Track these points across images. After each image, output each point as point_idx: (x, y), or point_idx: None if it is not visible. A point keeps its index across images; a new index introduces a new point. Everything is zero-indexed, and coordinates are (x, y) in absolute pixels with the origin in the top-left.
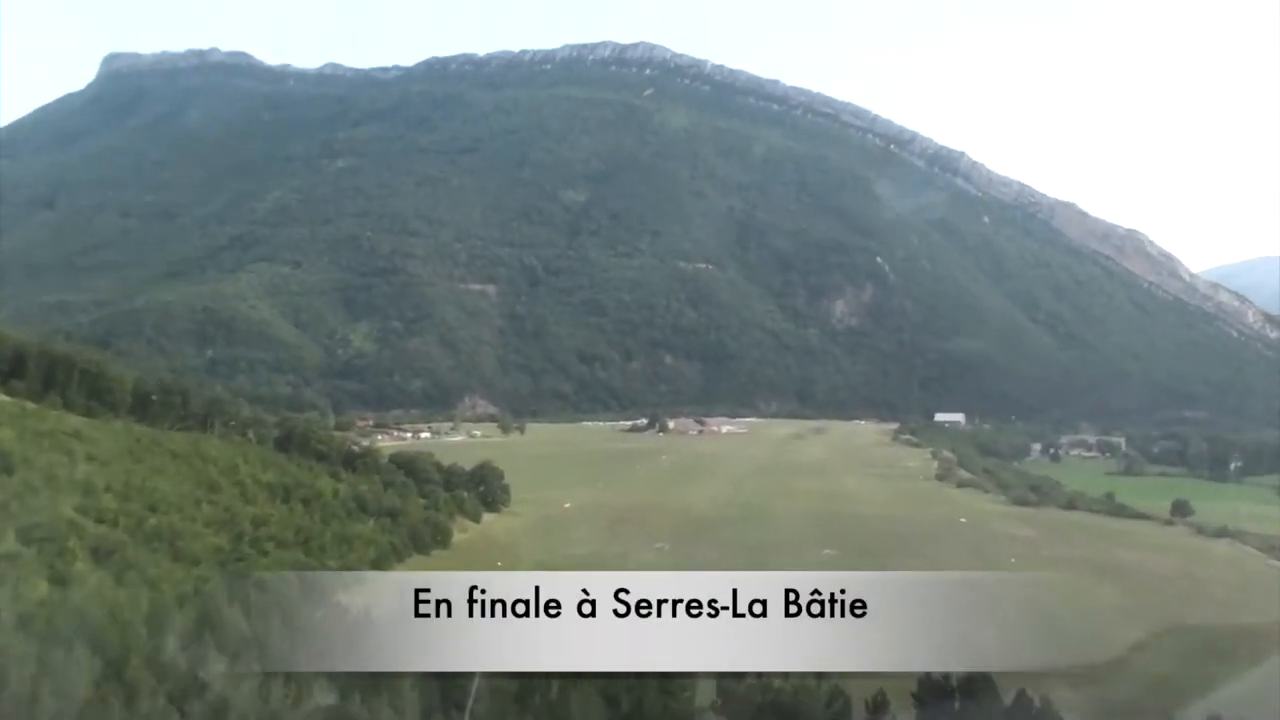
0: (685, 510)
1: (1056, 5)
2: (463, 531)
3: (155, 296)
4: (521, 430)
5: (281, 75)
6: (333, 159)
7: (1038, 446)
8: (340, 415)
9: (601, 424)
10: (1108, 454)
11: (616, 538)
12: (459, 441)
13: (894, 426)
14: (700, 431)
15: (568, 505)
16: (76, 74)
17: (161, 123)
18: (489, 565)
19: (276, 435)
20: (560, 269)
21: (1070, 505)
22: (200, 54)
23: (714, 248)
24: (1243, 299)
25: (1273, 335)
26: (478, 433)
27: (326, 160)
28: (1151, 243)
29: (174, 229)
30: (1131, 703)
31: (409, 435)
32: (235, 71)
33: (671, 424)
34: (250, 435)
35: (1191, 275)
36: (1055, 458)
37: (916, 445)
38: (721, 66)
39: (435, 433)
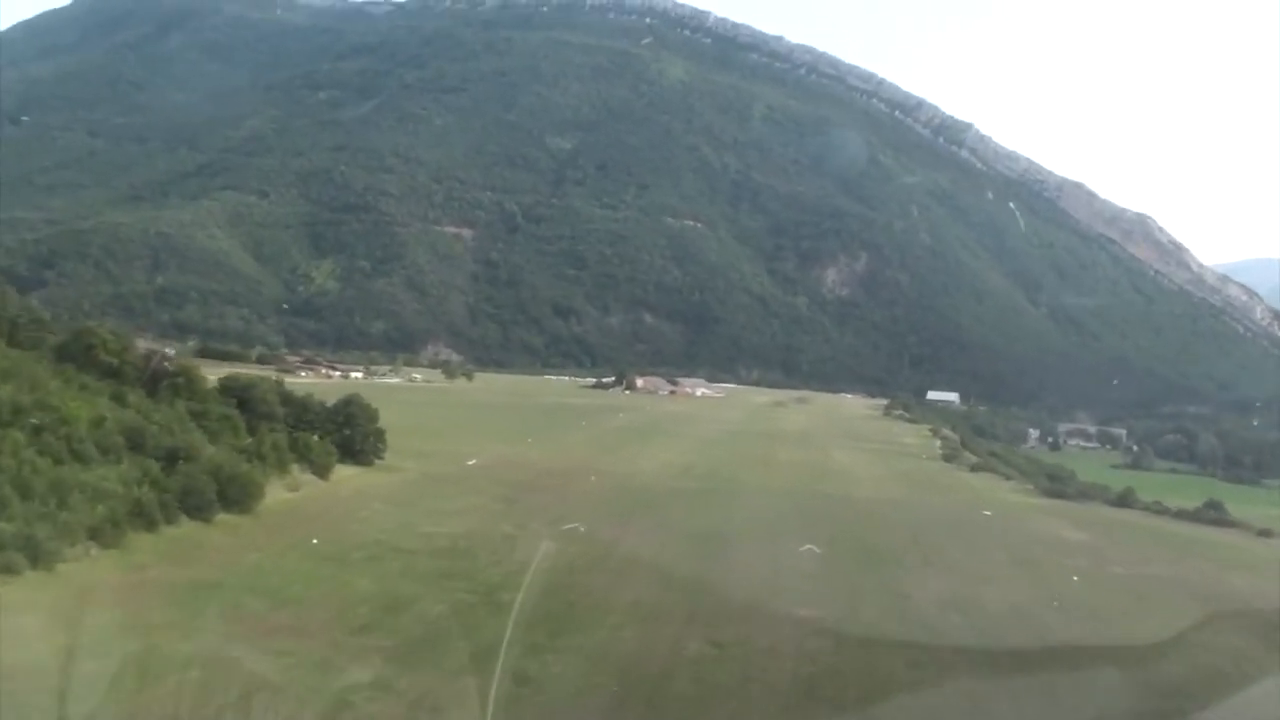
0: (627, 478)
1: None
2: (292, 490)
3: (108, 218)
4: (469, 377)
5: (270, 2)
6: (314, 90)
7: (1035, 433)
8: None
9: (566, 378)
10: (1108, 445)
11: (513, 512)
12: (392, 384)
13: (884, 401)
14: (672, 392)
15: (472, 463)
16: None
17: (143, 43)
18: (300, 542)
19: (59, 342)
20: (541, 217)
21: (1122, 502)
22: None
23: (704, 205)
24: (1251, 293)
25: (1279, 333)
26: (417, 376)
27: (307, 91)
28: (1161, 229)
29: (143, 152)
30: None
31: (336, 374)
32: None
33: (640, 382)
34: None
35: (1200, 266)
36: (1055, 446)
37: (912, 422)
38: (724, 19)
39: (370, 374)
